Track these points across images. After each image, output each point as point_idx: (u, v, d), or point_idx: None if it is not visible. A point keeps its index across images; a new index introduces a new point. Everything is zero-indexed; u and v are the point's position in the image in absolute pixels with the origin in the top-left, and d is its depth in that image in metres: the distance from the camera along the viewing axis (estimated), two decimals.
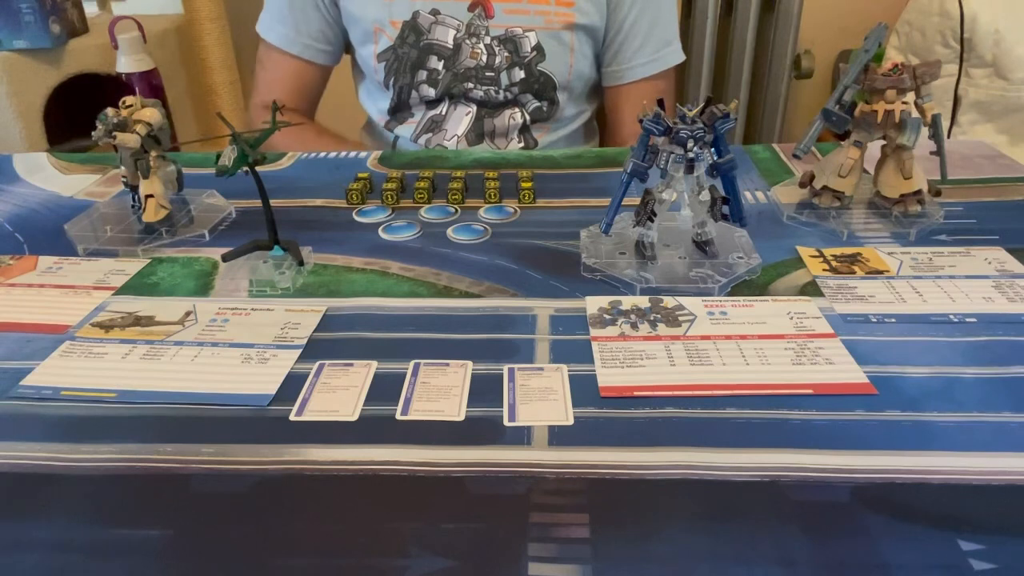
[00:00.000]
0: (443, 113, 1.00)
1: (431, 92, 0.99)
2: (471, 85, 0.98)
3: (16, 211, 0.75)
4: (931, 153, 0.66)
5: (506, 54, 0.96)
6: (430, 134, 1.01)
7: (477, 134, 1.00)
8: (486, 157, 0.87)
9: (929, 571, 0.34)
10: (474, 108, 0.99)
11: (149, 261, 0.64)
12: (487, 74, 0.97)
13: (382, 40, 0.97)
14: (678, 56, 1.02)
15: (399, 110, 1.02)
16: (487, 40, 0.96)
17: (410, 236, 0.67)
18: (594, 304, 0.56)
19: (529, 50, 0.96)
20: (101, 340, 0.53)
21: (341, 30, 1.02)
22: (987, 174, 0.78)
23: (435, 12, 0.95)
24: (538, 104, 1.00)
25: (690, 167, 0.56)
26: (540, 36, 0.96)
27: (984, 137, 1.49)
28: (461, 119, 1.00)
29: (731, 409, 0.45)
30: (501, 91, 0.98)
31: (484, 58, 0.96)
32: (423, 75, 0.98)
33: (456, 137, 1.00)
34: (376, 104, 1.06)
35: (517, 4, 0.95)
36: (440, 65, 0.97)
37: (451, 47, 0.96)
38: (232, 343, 0.52)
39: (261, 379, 0.48)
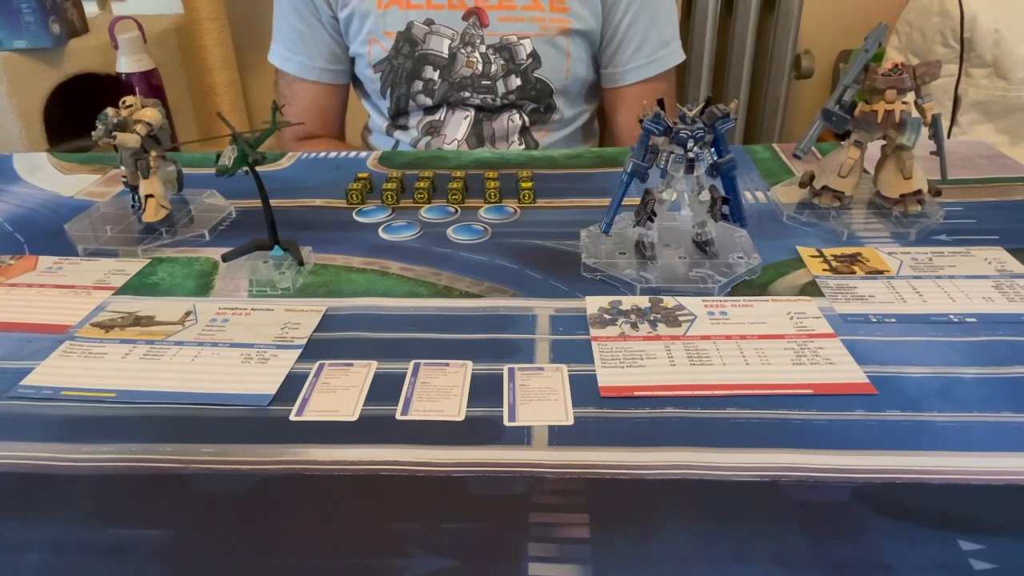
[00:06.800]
0: (441, 119, 1.00)
1: (428, 101, 0.99)
2: (467, 94, 0.97)
3: (16, 211, 0.75)
4: (931, 153, 0.66)
5: (502, 62, 0.95)
6: (429, 138, 1.01)
7: (477, 137, 1.00)
8: (486, 157, 0.87)
9: (929, 571, 0.34)
10: (472, 112, 0.99)
11: (149, 261, 0.64)
12: (483, 82, 0.97)
13: (376, 50, 0.97)
14: (677, 56, 1.01)
15: (398, 115, 1.02)
16: (482, 49, 0.95)
17: (410, 236, 0.67)
18: (594, 304, 0.56)
19: (525, 57, 0.96)
20: (101, 340, 0.53)
21: (347, 46, 1.02)
22: (987, 174, 0.78)
23: (429, 22, 0.95)
24: (535, 106, 0.99)
25: (690, 167, 0.57)
26: (535, 43, 0.95)
27: (984, 137, 1.49)
28: (460, 123, 1.00)
29: (731, 409, 0.45)
30: (498, 99, 0.97)
31: (480, 67, 0.96)
32: (419, 85, 0.98)
33: (456, 141, 1.00)
34: (375, 109, 1.06)
35: (511, 12, 0.95)
36: (436, 75, 0.97)
37: (446, 57, 0.96)
38: (232, 343, 0.52)
39: (261, 379, 0.48)
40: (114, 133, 0.64)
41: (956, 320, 0.53)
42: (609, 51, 0.99)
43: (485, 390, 0.47)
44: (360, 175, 0.78)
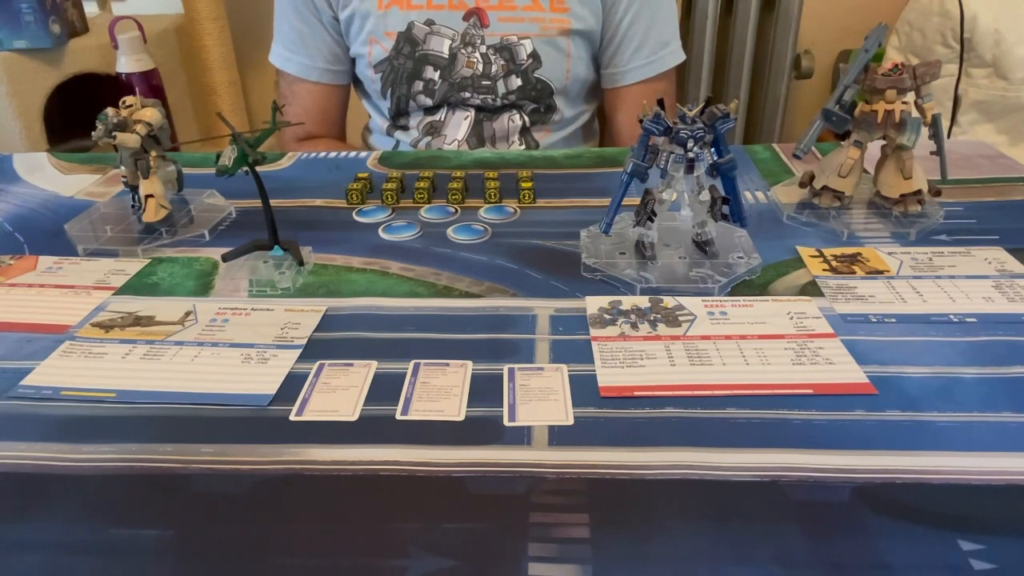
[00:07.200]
0: (441, 119, 1.00)
1: (428, 101, 0.99)
2: (468, 94, 0.97)
3: (16, 211, 0.75)
4: (931, 153, 0.66)
5: (502, 62, 0.95)
6: (429, 138, 1.01)
7: (477, 138, 1.00)
8: (486, 157, 0.87)
9: (929, 571, 0.34)
10: (472, 112, 0.99)
11: (149, 261, 0.64)
12: (483, 83, 0.96)
13: (376, 50, 0.97)
14: (677, 57, 1.01)
15: (398, 116, 1.02)
16: (483, 49, 0.95)
17: (410, 236, 0.67)
18: (594, 304, 0.56)
19: (525, 57, 0.96)
20: (101, 340, 0.53)
21: (348, 46, 1.02)
22: (987, 174, 0.78)
23: (430, 22, 0.95)
24: (535, 106, 0.99)
25: (690, 167, 0.57)
26: (536, 43, 0.95)
27: (984, 137, 1.49)
28: (460, 124, 1.00)
29: (731, 409, 0.45)
30: (498, 99, 0.97)
31: (480, 67, 0.96)
32: (419, 85, 0.98)
33: (456, 142, 1.00)
34: (376, 109, 1.06)
35: (512, 12, 0.95)
36: (436, 75, 0.97)
37: (447, 57, 0.96)
38: (232, 343, 0.52)
39: (261, 379, 0.48)
40: (114, 133, 0.64)
41: (956, 320, 0.53)
42: (609, 51, 0.99)
43: (485, 390, 0.47)
44: (360, 175, 0.78)
